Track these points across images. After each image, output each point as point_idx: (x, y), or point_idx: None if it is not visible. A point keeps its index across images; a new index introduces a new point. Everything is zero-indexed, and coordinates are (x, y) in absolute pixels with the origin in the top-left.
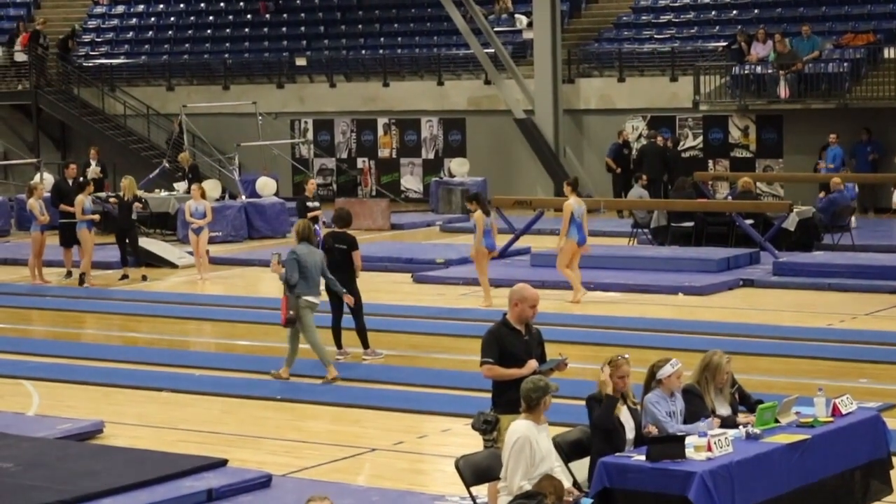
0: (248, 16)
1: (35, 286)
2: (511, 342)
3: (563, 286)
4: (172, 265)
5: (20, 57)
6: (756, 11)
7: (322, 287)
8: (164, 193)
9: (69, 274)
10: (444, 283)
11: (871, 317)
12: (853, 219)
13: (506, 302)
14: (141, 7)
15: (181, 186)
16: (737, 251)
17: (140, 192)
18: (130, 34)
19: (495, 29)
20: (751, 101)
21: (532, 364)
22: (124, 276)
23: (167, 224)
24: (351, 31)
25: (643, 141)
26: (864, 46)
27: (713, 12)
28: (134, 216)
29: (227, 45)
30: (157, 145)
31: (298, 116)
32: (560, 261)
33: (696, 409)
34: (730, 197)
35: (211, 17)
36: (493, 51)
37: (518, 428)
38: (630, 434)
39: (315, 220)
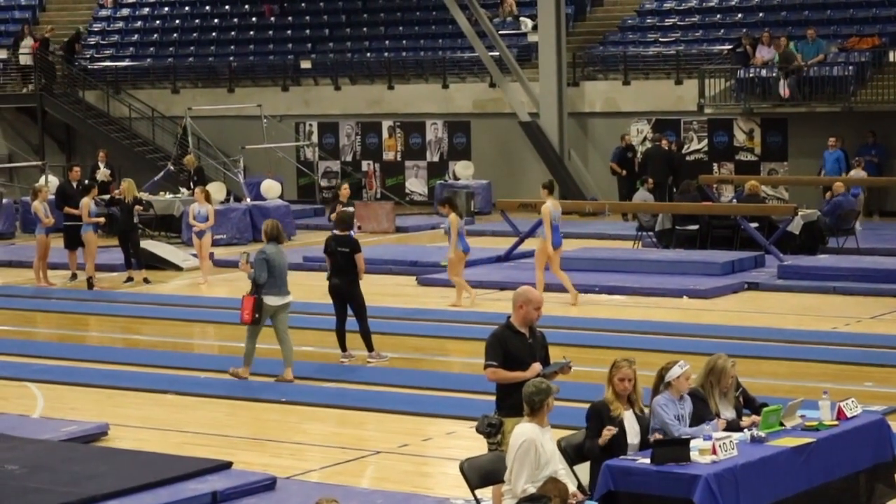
0: (253, 18)
1: (40, 289)
2: (515, 345)
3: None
4: (177, 268)
5: (25, 60)
6: (761, 15)
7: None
8: (168, 196)
9: (74, 276)
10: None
11: (876, 320)
12: (857, 223)
13: (509, 304)
14: (146, 10)
15: (184, 190)
16: (741, 254)
17: (143, 195)
18: (135, 37)
19: (500, 32)
20: (755, 104)
21: (536, 367)
22: (128, 279)
23: (172, 226)
24: (356, 34)
25: (648, 144)
26: (869, 50)
27: (718, 15)
28: (136, 219)
29: (232, 47)
30: (162, 148)
31: (303, 119)
32: (538, 263)
33: (700, 412)
34: (734, 200)
35: (216, 20)
36: (497, 54)
37: (523, 431)
38: (635, 439)
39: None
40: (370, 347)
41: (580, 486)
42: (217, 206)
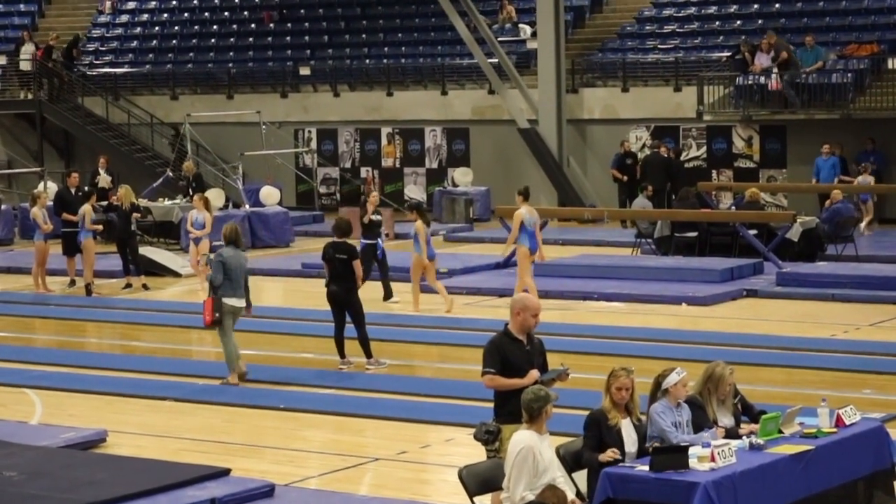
0: (252, 25)
1: (38, 295)
2: (513, 352)
3: (566, 295)
4: (175, 274)
5: (26, 66)
6: (760, 22)
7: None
8: (167, 202)
9: (72, 283)
10: (448, 292)
11: (875, 327)
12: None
13: (507, 311)
14: (145, 16)
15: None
16: (740, 261)
17: (142, 201)
18: (134, 43)
19: (499, 39)
20: (754, 111)
21: (534, 374)
22: (127, 286)
23: (171, 233)
24: (355, 41)
25: (647, 151)
26: (868, 57)
27: (717, 22)
28: (133, 226)
29: (231, 54)
30: (160, 154)
31: (302, 126)
32: (521, 269)
33: (698, 419)
34: (733, 207)
35: (215, 27)
36: (496, 60)
37: (521, 438)
38: (632, 448)
39: (376, 232)
40: (369, 354)
41: (578, 494)
42: (216, 213)
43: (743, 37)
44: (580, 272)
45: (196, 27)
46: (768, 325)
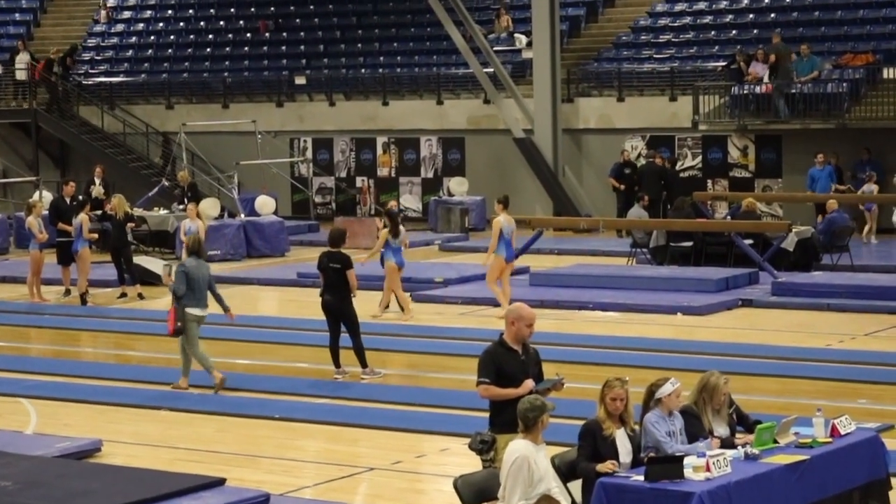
0: (248, 34)
1: (33, 304)
2: (508, 362)
3: (562, 305)
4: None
5: (21, 75)
6: (755, 31)
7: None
8: (163, 212)
9: (67, 292)
10: (443, 302)
11: (870, 337)
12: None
13: (502, 321)
14: (141, 25)
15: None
16: (735, 271)
17: (136, 211)
18: (130, 52)
19: (495, 48)
20: (750, 121)
21: (529, 384)
22: (122, 295)
23: (166, 242)
24: (350, 50)
25: (642, 161)
26: (863, 66)
27: (712, 32)
28: (129, 236)
29: (227, 63)
30: (156, 164)
31: (298, 135)
32: (489, 277)
33: (693, 429)
34: (729, 217)
35: (210, 36)
36: (492, 70)
37: (516, 448)
38: (627, 458)
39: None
40: (364, 364)
41: None
42: (211, 222)
43: (738, 46)
44: (575, 282)
45: (191, 36)
46: (763, 335)
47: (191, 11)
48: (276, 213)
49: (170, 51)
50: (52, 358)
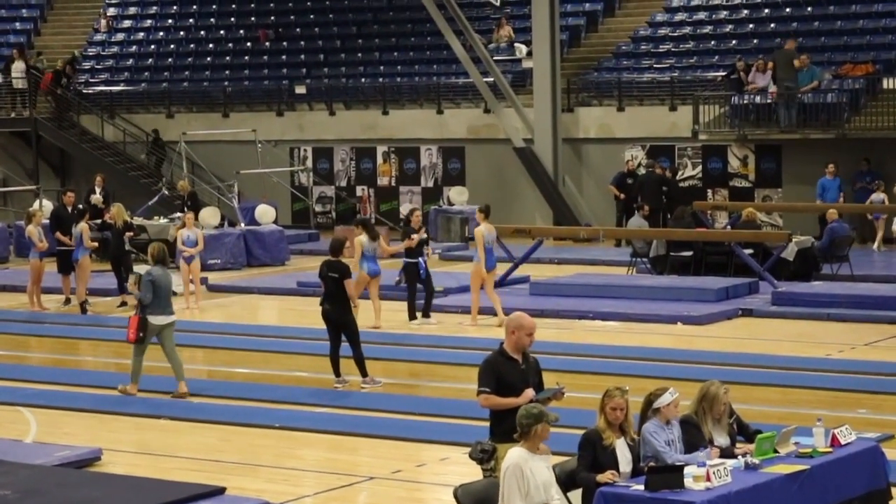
0: (248, 44)
1: (33, 313)
2: (508, 371)
3: (562, 315)
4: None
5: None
6: (755, 41)
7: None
8: (163, 220)
9: (68, 301)
10: (443, 311)
11: (870, 347)
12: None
13: (502, 330)
14: (141, 34)
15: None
16: (736, 281)
17: (137, 220)
18: (130, 61)
19: (495, 58)
20: (750, 130)
21: (529, 393)
22: (122, 304)
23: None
24: (350, 60)
25: (642, 170)
26: (863, 77)
27: (712, 42)
28: (127, 246)
29: (227, 72)
30: (156, 172)
31: (298, 144)
32: (472, 285)
33: (693, 439)
34: (729, 226)
35: (211, 45)
36: (492, 79)
37: (510, 456)
38: (626, 468)
39: (419, 250)
40: (364, 373)
41: None
42: (211, 231)
43: (738, 56)
44: (575, 291)
45: (192, 45)
46: (764, 345)
47: (191, 20)
48: (276, 222)
49: (170, 60)
50: (52, 367)
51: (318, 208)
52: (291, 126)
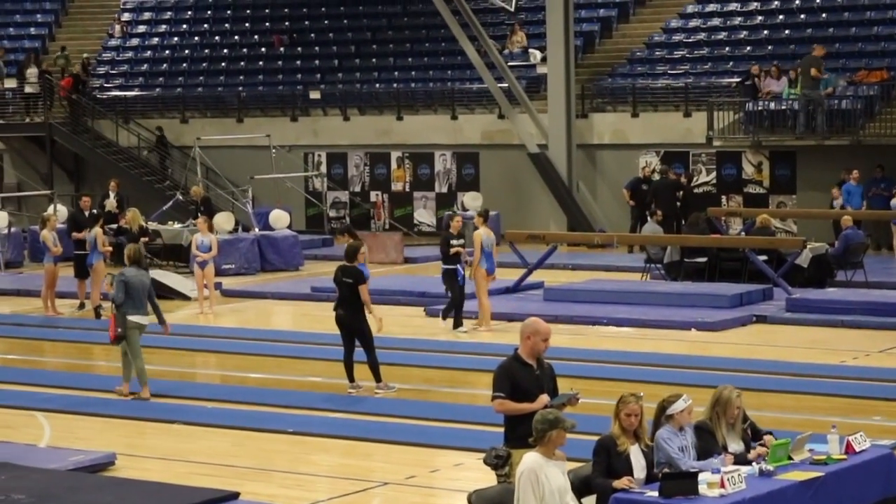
0: (263, 49)
1: (48, 318)
2: (523, 376)
3: (576, 320)
4: (185, 297)
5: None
6: (770, 48)
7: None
8: (177, 225)
9: (82, 305)
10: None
11: (885, 354)
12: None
13: (517, 336)
14: (155, 40)
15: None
16: (750, 287)
17: (151, 224)
18: (145, 66)
19: (509, 63)
20: (764, 137)
21: (543, 398)
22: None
23: (180, 256)
24: (365, 65)
25: (656, 176)
26: (878, 83)
27: (727, 48)
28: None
29: (242, 77)
30: (170, 177)
31: (312, 149)
32: (478, 291)
33: (707, 445)
34: (743, 233)
35: (225, 51)
36: (506, 85)
37: (525, 461)
38: (641, 474)
39: (458, 257)
40: (378, 378)
41: None
42: (225, 236)
43: (753, 62)
44: (590, 297)
45: (206, 51)
46: (778, 351)
47: (206, 26)
48: (290, 227)
49: (184, 65)
50: (66, 371)
51: (332, 214)
52: (306, 131)
